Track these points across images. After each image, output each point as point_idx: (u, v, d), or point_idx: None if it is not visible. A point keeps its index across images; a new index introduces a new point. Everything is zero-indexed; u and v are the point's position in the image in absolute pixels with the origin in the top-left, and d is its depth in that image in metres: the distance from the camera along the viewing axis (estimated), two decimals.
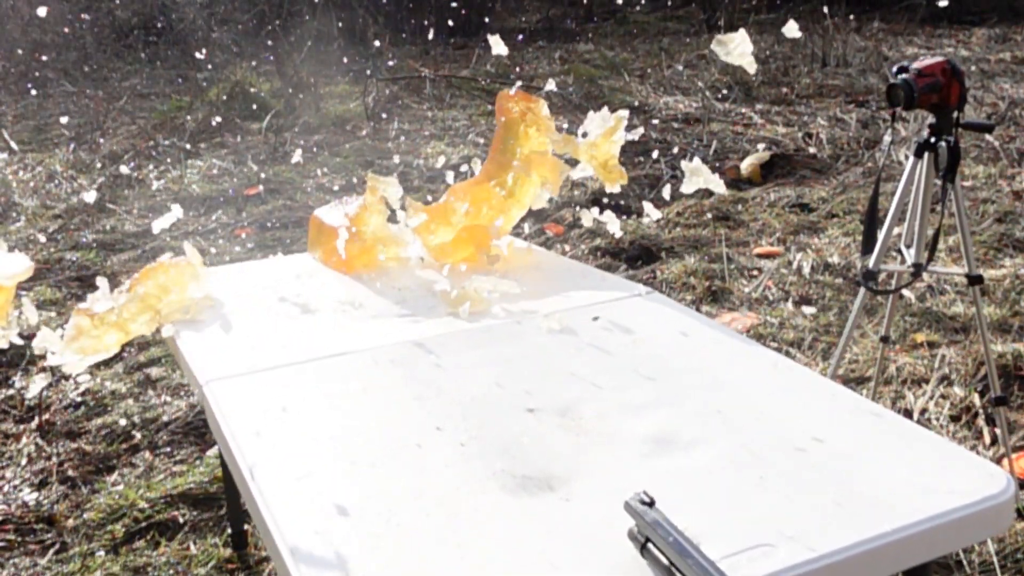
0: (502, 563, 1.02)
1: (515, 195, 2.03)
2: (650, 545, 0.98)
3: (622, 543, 1.03)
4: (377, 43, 7.75)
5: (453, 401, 1.38)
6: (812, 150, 5.41)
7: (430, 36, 8.56)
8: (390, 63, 8.11)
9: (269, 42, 7.35)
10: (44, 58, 7.98)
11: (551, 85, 2.17)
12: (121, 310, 1.68)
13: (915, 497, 1.09)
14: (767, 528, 1.05)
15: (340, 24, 8.58)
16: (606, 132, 1.93)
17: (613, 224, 2.13)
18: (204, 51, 7.85)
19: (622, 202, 4.64)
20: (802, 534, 1.03)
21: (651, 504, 1.01)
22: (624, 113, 1.93)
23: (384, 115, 6.54)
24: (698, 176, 1.84)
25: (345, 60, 7.95)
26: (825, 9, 7.91)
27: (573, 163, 2.03)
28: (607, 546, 1.04)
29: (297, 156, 4.41)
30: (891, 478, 1.14)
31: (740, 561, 0.98)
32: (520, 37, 8.93)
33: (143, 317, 1.70)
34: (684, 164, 1.86)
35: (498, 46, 2.08)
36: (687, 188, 1.85)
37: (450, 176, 2.27)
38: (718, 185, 1.82)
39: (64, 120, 6.52)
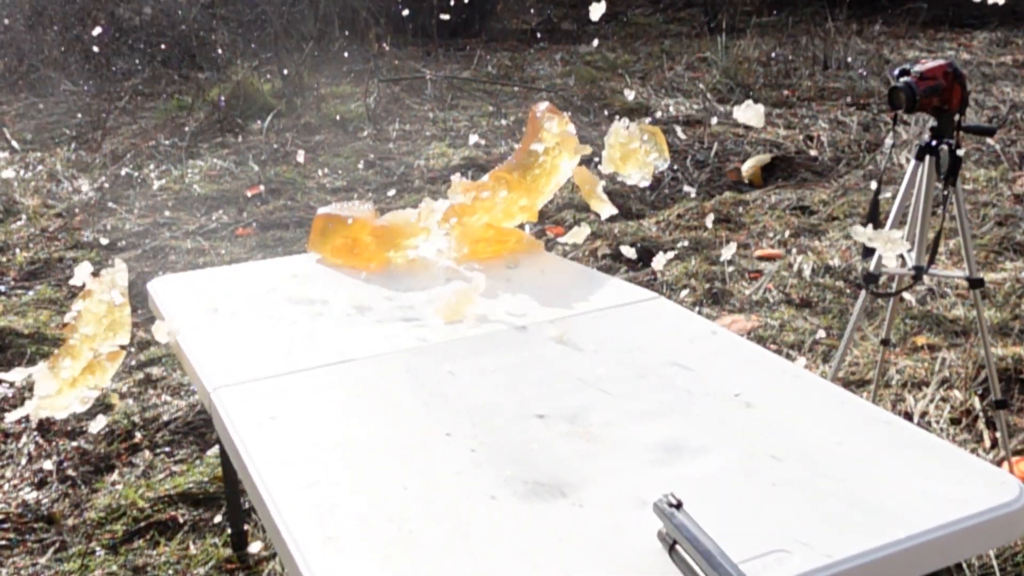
0: (516, 570, 1.02)
1: (537, 183, 2.07)
2: (678, 547, 0.98)
3: (636, 548, 1.03)
4: (379, 44, 7.76)
5: (461, 408, 1.38)
6: (813, 153, 5.41)
7: (432, 37, 8.56)
8: (392, 64, 8.11)
9: (271, 42, 7.35)
10: (45, 57, 7.98)
11: (630, 95, 2.24)
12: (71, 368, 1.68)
13: (928, 505, 1.09)
14: (781, 534, 1.05)
15: (341, 24, 8.58)
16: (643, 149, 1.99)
17: (659, 262, 2.23)
18: (206, 51, 7.85)
19: (621, 202, 4.64)
20: (816, 540, 1.03)
21: (678, 506, 1.01)
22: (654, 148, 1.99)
23: (385, 116, 6.54)
24: (750, 111, 1.90)
25: (347, 60, 7.95)
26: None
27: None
28: (621, 552, 1.04)
29: (300, 157, 4.40)
30: (903, 486, 1.14)
31: (755, 567, 0.99)
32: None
33: (97, 372, 1.69)
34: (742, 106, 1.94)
35: (596, 11, 2.11)
36: (740, 117, 1.93)
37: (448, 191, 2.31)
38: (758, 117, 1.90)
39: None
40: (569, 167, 2.08)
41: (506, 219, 2.09)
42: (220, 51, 7.95)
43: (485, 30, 9.74)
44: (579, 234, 2.14)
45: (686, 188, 4.73)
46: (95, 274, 1.77)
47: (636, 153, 1.99)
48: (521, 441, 1.28)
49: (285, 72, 6.95)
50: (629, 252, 2.44)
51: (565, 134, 2.03)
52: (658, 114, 6.14)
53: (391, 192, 5.00)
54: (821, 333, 3.15)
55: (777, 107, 6.46)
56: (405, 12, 7.82)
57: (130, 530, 2.32)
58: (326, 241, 2.08)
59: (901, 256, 2.40)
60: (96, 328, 1.72)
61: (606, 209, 2.09)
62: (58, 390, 1.65)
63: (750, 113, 1.93)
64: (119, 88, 7.68)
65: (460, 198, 2.05)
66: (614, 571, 1.01)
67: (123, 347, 1.74)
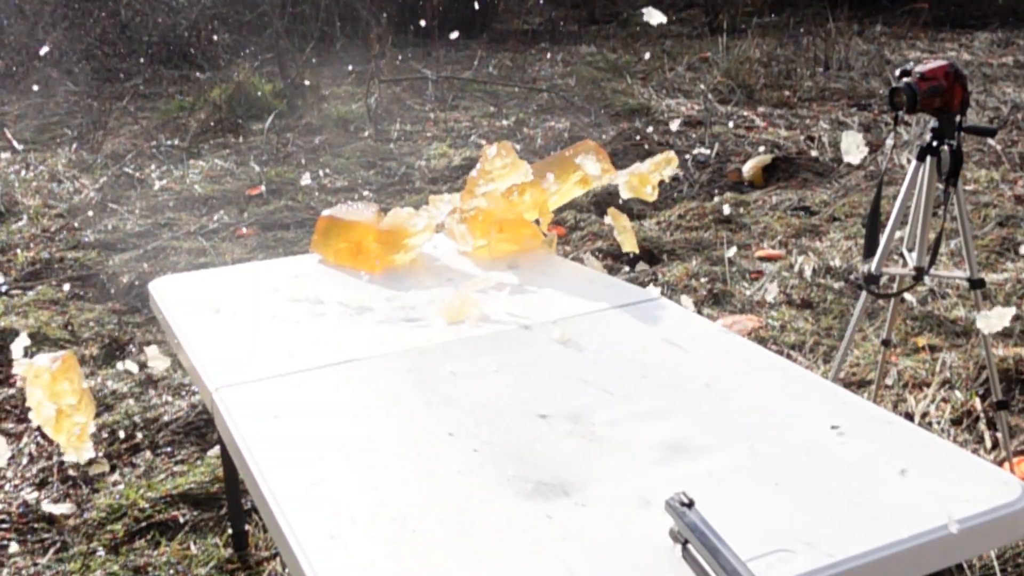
0: (519, 570, 1.02)
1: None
2: (690, 546, 0.99)
3: (639, 548, 1.04)
4: (380, 44, 7.76)
5: (464, 408, 1.38)
6: (814, 153, 5.41)
7: (433, 37, 8.56)
8: (393, 64, 8.11)
9: (272, 43, 7.36)
10: (47, 57, 7.99)
11: (675, 126, 2.28)
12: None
13: (930, 505, 1.10)
14: (784, 534, 1.05)
15: (343, 25, 8.58)
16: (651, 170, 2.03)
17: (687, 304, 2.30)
18: (207, 51, 7.86)
19: (622, 202, 4.64)
20: (819, 540, 1.04)
21: (690, 505, 1.02)
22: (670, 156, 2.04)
23: (386, 116, 6.54)
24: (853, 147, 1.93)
25: (348, 61, 7.95)
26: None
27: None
28: (625, 551, 1.04)
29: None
30: (906, 486, 1.14)
31: (759, 566, 0.99)
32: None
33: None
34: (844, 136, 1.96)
35: (654, 16, 2.12)
36: (851, 159, 1.96)
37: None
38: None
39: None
40: (579, 191, 2.14)
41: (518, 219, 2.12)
42: (221, 51, 7.96)
43: (486, 31, 9.75)
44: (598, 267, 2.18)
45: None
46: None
47: (653, 176, 2.03)
48: (524, 441, 1.28)
49: (286, 73, 6.95)
50: (655, 292, 2.48)
51: (599, 179, 2.07)
52: (660, 108, 6.13)
53: (392, 192, 5.00)
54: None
55: (778, 107, 6.47)
56: (421, 21, 7.82)
57: (131, 530, 2.32)
58: (329, 243, 2.08)
59: (902, 256, 2.40)
60: (46, 392, 1.72)
61: (630, 245, 2.12)
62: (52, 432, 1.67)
63: (852, 144, 1.96)
64: (120, 88, 7.69)
65: (495, 155, 2.07)
66: (617, 570, 1.01)
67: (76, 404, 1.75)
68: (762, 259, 3.94)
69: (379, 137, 6.06)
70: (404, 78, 7.53)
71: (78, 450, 1.69)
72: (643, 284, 2.99)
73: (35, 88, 7.60)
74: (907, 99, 2.10)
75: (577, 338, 1.61)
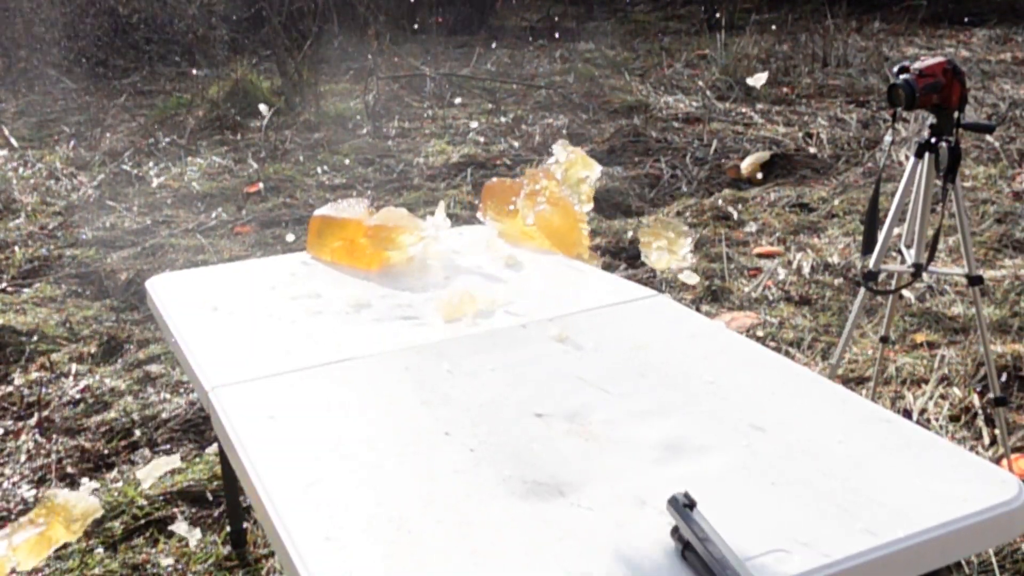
0: (515, 570, 1.02)
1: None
2: (691, 546, 0.99)
3: (636, 548, 1.03)
4: (378, 41, 7.75)
5: (461, 407, 1.37)
6: (812, 150, 5.40)
7: (431, 34, 8.55)
8: (392, 61, 8.10)
9: (270, 40, 7.35)
10: (44, 54, 7.97)
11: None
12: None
13: (928, 504, 1.09)
14: (781, 534, 1.05)
15: (341, 22, 8.57)
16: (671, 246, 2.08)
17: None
18: (205, 48, 7.84)
19: (620, 199, 4.64)
20: (816, 540, 1.03)
21: (692, 506, 1.01)
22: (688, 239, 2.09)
23: (385, 113, 6.54)
24: None
25: (346, 58, 7.94)
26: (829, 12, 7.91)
27: None
28: (622, 551, 1.03)
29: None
30: (904, 485, 1.14)
31: (755, 566, 0.98)
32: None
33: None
34: None
35: (758, 81, 2.18)
36: None
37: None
38: None
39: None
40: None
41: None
42: (219, 48, 7.94)
43: (485, 28, 9.74)
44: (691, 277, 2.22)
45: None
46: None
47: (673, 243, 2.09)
48: (521, 440, 1.27)
49: (284, 70, 6.94)
50: (690, 279, 2.51)
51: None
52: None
53: (390, 189, 5.00)
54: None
55: (776, 104, 6.46)
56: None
57: (129, 528, 2.32)
58: (324, 243, 2.08)
59: (900, 253, 2.39)
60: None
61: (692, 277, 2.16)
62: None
63: None
64: (118, 85, 7.68)
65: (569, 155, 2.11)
66: (615, 570, 1.01)
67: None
68: (760, 256, 3.93)
69: (377, 134, 6.05)
70: (402, 75, 7.53)
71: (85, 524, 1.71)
72: (641, 281, 2.98)
73: (33, 85, 7.59)
74: (905, 96, 2.10)
75: (575, 336, 1.61)
